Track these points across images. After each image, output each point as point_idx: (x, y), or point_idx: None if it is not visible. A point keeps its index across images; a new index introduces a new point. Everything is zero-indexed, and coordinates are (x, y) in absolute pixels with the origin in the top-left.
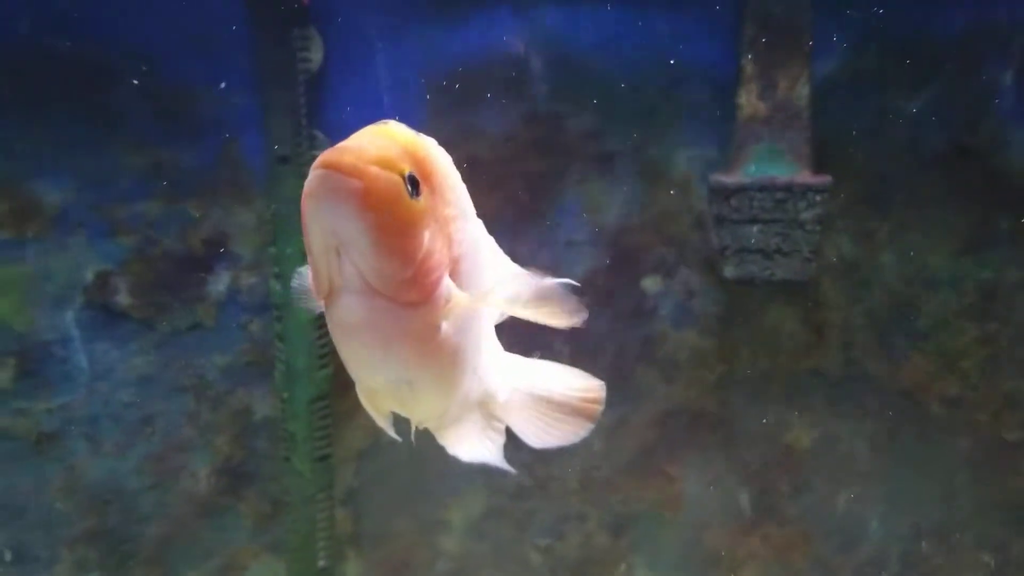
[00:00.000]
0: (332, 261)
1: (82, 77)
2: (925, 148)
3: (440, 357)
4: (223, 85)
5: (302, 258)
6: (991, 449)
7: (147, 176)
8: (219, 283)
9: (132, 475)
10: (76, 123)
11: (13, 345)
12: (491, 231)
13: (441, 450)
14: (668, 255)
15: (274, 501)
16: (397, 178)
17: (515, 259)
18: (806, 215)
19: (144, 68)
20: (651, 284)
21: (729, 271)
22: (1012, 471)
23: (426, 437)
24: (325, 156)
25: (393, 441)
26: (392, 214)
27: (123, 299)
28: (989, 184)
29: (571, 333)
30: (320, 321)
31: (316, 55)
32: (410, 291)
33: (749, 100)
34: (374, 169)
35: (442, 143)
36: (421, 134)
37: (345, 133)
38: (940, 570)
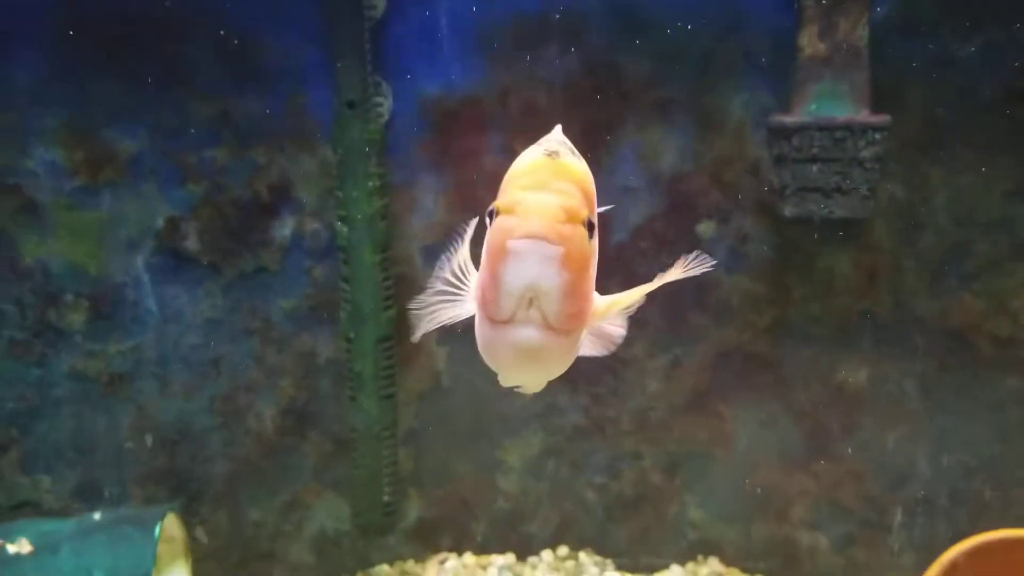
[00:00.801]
0: (523, 303)
1: (154, 29)
2: (978, 92)
3: (573, 353)
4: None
5: (368, 201)
6: None
7: (215, 125)
8: (284, 228)
9: (200, 415)
10: (148, 73)
11: (87, 288)
12: None
13: (498, 394)
14: (722, 201)
15: (337, 441)
16: (583, 231)
17: None
18: (865, 153)
19: (213, 20)
20: (705, 229)
21: (789, 210)
22: None
23: (486, 381)
24: (528, 225)
25: (453, 384)
26: (579, 265)
27: (192, 244)
28: None
29: (629, 280)
30: (385, 264)
31: (380, 3)
32: (577, 323)
33: (810, 41)
34: (568, 230)
35: (502, 90)
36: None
37: (409, 80)
38: (988, 507)
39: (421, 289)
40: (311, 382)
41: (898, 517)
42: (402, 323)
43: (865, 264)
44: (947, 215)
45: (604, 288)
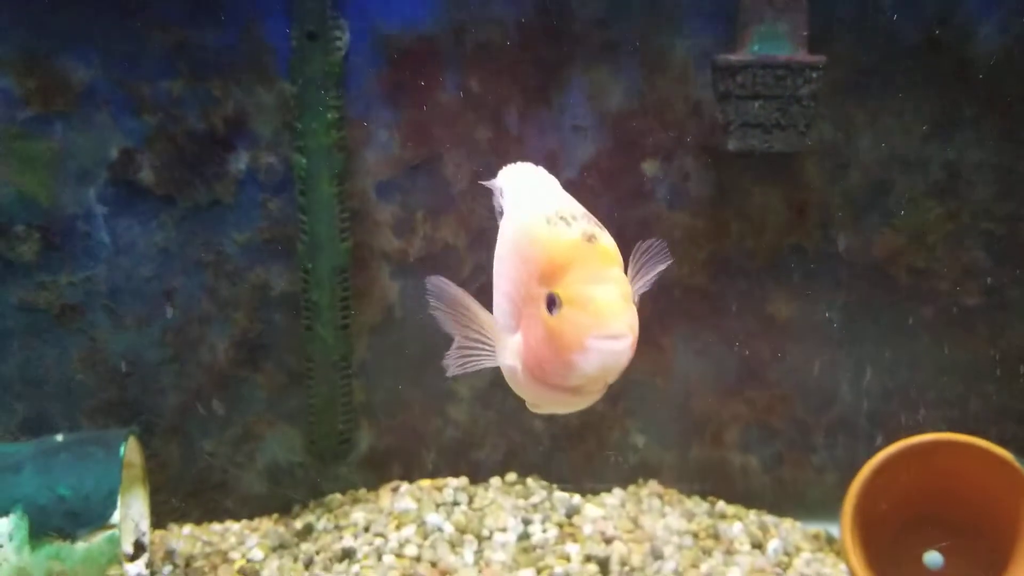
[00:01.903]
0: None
1: None
2: (901, 39)
3: None
4: None
5: (326, 132)
6: (952, 315)
7: (171, 55)
8: (239, 162)
9: (152, 347)
10: (103, 1)
11: (38, 219)
12: (502, 115)
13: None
14: (666, 140)
15: (290, 373)
16: (635, 309)
17: (524, 142)
18: (803, 91)
19: None
20: (649, 167)
21: (732, 144)
22: (971, 334)
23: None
24: (606, 327)
25: (405, 317)
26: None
27: (146, 176)
28: (956, 73)
29: None
30: (342, 196)
31: None
32: None
33: None
34: (632, 317)
35: (457, 28)
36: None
37: (364, 15)
38: (903, 428)
39: (375, 223)
40: (265, 315)
41: (821, 438)
42: (357, 254)
43: (796, 201)
44: (871, 155)
45: None
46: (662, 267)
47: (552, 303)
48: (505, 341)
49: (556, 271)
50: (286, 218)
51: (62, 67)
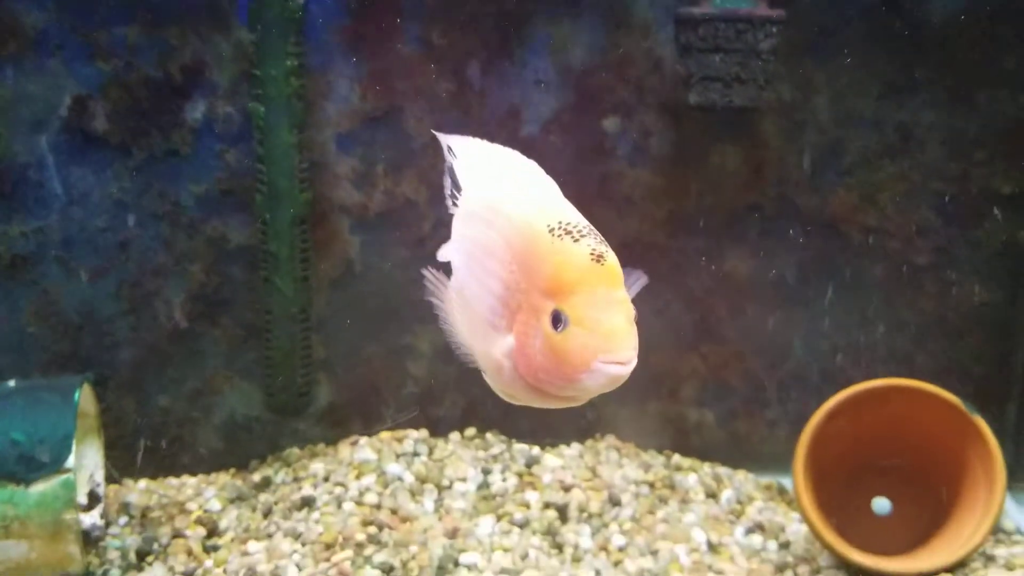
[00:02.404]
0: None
1: None
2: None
3: None
4: None
5: (286, 80)
6: (902, 272)
7: (128, 1)
8: (196, 111)
9: (106, 300)
10: None
11: None
12: (464, 69)
13: (409, 281)
14: (627, 97)
15: (248, 327)
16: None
17: (486, 95)
18: (763, 45)
19: None
20: (611, 124)
21: (693, 98)
22: (920, 292)
23: (398, 269)
24: (615, 352)
25: (365, 271)
26: None
27: (100, 124)
28: (911, 35)
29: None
30: (301, 145)
31: None
32: None
33: None
34: (635, 338)
35: None
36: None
37: None
38: (854, 381)
39: (335, 176)
40: (222, 268)
41: (775, 393)
42: (317, 207)
43: (753, 160)
44: (827, 114)
45: None
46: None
47: (558, 320)
48: (490, 337)
49: (563, 289)
50: (244, 169)
51: (14, 10)
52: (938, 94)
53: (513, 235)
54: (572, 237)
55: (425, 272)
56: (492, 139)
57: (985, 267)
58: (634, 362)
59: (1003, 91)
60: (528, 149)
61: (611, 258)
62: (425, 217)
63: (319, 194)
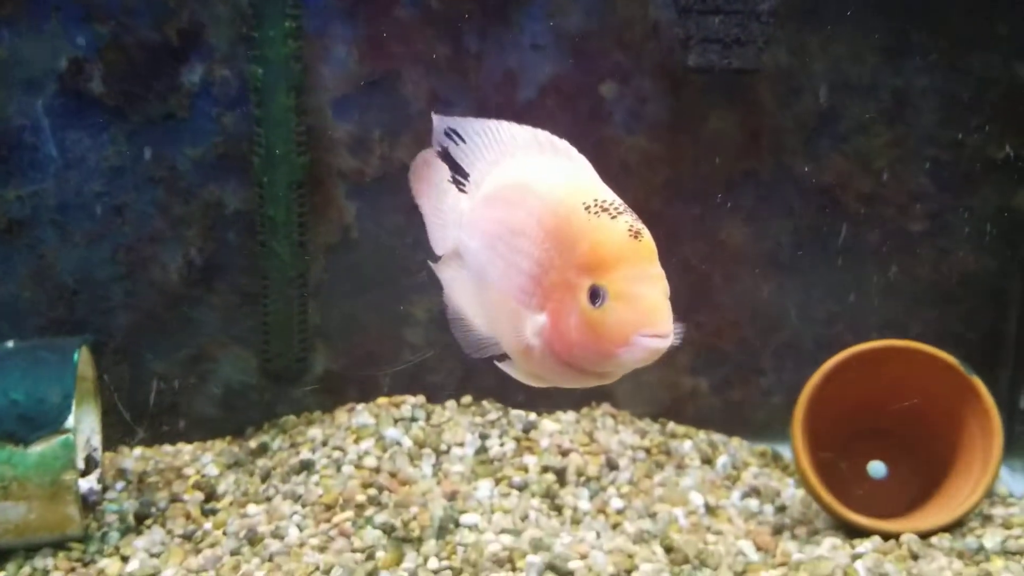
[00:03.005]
0: None
1: None
2: None
3: None
4: None
5: (283, 42)
6: (897, 240)
7: None
8: (193, 74)
9: (102, 265)
10: None
11: None
12: (461, 33)
13: (406, 249)
14: (624, 62)
15: (244, 294)
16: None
17: (483, 59)
18: (762, 7)
19: None
20: (608, 90)
21: (692, 60)
22: (914, 259)
23: (395, 235)
24: (656, 327)
25: (362, 238)
26: None
27: (96, 87)
28: (905, 0)
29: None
30: (298, 108)
31: None
32: None
33: None
34: (671, 312)
35: None
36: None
37: None
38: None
39: (331, 141)
40: (218, 233)
41: (769, 361)
42: (313, 172)
43: (750, 126)
44: (823, 80)
45: None
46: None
47: (596, 295)
48: (518, 317)
49: (602, 265)
50: (241, 134)
51: None
52: (933, 59)
53: (546, 214)
54: (609, 214)
55: (432, 265)
56: (489, 105)
57: (979, 234)
58: (671, 337)
59: (996, 56)
60: (525, 114)
61: (647, 234)
62: None
63: (316, 159)
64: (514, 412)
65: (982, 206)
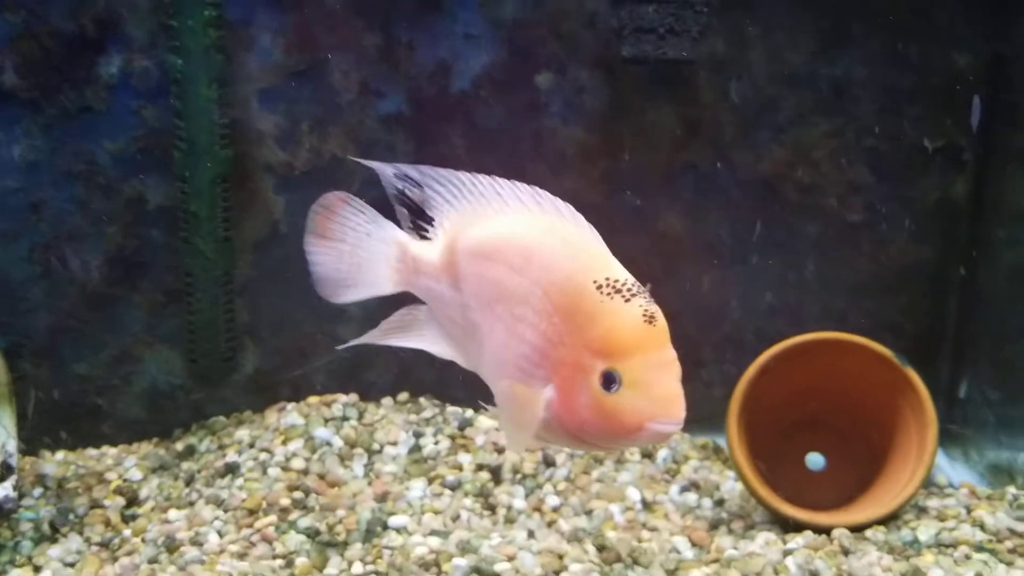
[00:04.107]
0: None
1: None
2: None
3: None
4: None
5: (203, 31)
6: (836, 231)
7: None
8: (111, 65)
9: (18, 265)
10: None
11: None
12: (391, 21)
13: None
14: (560, 52)
15: (168, 292)
16: None
17: (414, 48)
18: None
19: None
20: (544, 80)
21: (626, 51)
22: (853, 250)
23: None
24: (671, 415)
25: (291, 232)
26: None
27: (8, 79)
28: None
29: (474, 146)
30: (221, 100)
31: None
32: None
33: None
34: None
35: None
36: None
37: None
38: None
39: (258, 133)
40: (141, 230)
41: (710, 354)
42: (238, 165)
43: (688, 117)
44: (761, 71)
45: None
46: None
47: (610, 381)
48: (525, 390)
49: (616, 351)
50: (162, 127)
51: None
52: (871, 49)
53: (554, 289)
54: (623, 296)
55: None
56: (421, 96)
57: (918, 224)
58: (682, 423)
59: (935, 46)
60: (459, 106)
61: (660, 317)
62: (353, 175)
63: (241, 152)
64: (450, 409)
65: (921, 196)
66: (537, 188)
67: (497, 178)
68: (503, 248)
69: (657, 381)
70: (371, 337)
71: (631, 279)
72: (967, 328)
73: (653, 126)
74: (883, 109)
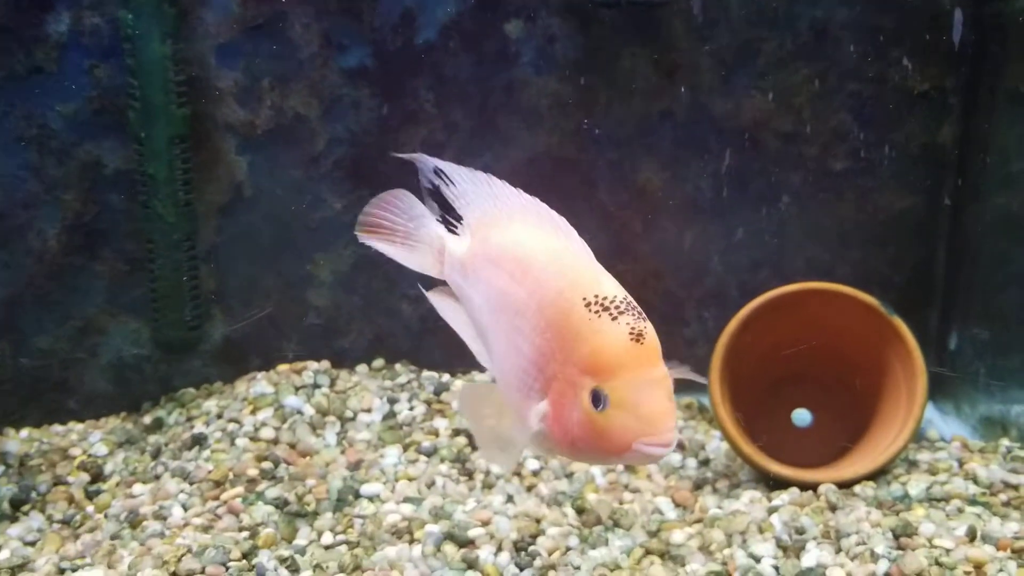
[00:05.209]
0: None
1: None
2: None
3: None
4: None
5: None
6: (819, 180)
7: None
8: (60, 23)
9: None
10: None
11: None
12: None
13: (306, 206)
14: None
15: (131, 260)
16: None
17: None
18: None
19: None
20: (513, 28)
21: None
22: (837, 199)
23: (293, 192)
24: (660, 436)
25: (256, 196)
26: None
27: None
28: None
29: (443, 99)
30: (176, 57)
31: None
32: None
33: None
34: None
35: None
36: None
37: None
38: None
39: (217, 91)
40: (99, 195)
41: (693, 311)
42: (196, 126)
43: (664, 64)
44: (738, 14)
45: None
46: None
47: (598, 399)
48: (521, 397)
49: (603, 370)
50: (116, 87)
51: None
52: None
53: (546, 303)
54: (610, 314)
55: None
56: (386, 49)
57: (904, 171)
58: (675, 441)
59: None
60: (426, 58)
61: (650, 334)
62: (317, 134)
63: (201, 112)
64: (426, 374)
65: (906, 142)
66: (537, 200)
67: (506, 184)
68: (506, 257)
69: (645, 400)
70: (432, 295)
71: (621, 295)
72: (956, 277)
73: (629, 74)
74: (866, 52)
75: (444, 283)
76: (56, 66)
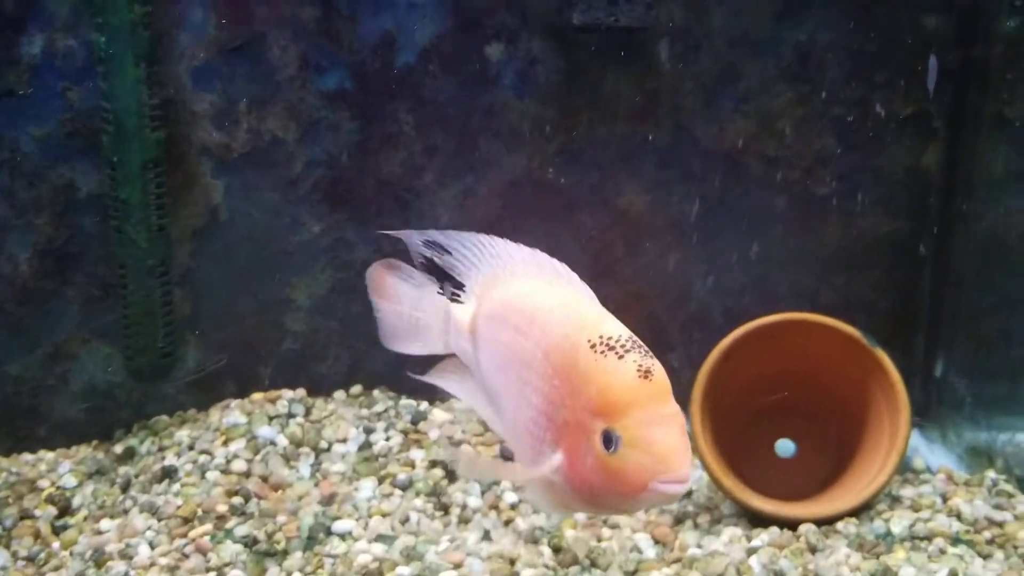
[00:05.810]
0: None
1: None
2: None
3: None
4: None
5: (128, 5)
6: (804, 204)
7: None
8: (33, 45)
9: None
10: None
11: None
12: None
13: (283, 229)
14: (510, 21)
15: (104, 285)
16: None
17: (356, 20)
18: None
19: None
20: (494, 51)
21: (576, 18)
22: (822, 223)
23: (270, 215)
24: (675, 474)
25: (232, 219)
26: None
27: None
28: None
29: (423, 122)
30: (150, 80)
31: None
32: None
33: None
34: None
35: None
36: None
37: None
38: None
39: (192, 114)
40: (71, 219)
41: (677, 335)
42: (172, 149)
43: (647, 88)
44: (721, 37)
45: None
46: None
47: (609, 441)
48: (534, 451)
49: (612, 411)
50: (90, 109)
51: None
52: (835, 12)
53: (552, 349)
54: (616, 353)
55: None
56: (365, 71)
57: (888, 195)
58: (691, 478)
59: (902, 9)
60: (405, 80)
61: (658, 371)
62: (295, 157)
63: (176, 134)
64: (404, 401)
65: (890, 166)
66: (536, 250)
67: (499, 239)
68: (511, 311)
69: (657, 438)
70: (433, 377)
71: (626, 334)
72: (941, 303)
73: (611, 97)
74: (849, 75)
75: (440, 361)
76: (29, 88)
